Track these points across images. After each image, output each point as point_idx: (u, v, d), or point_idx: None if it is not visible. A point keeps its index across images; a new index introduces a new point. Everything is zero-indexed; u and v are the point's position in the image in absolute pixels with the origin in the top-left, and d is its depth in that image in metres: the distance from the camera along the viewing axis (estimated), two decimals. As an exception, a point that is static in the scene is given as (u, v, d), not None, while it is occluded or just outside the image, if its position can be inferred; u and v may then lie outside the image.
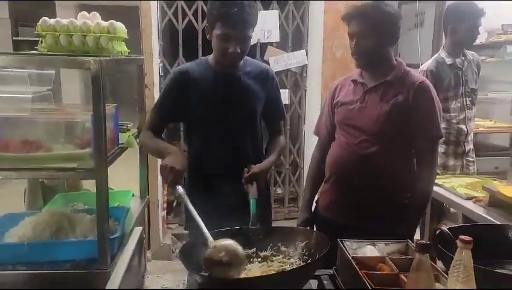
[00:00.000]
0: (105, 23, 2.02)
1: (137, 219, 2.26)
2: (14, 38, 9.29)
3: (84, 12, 2.08)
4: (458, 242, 1.25)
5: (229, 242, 1.50)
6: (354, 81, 2.05)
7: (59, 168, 1.67)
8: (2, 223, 1.86)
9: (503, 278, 1.35)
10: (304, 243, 1.61)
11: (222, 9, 1.78)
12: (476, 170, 3.20)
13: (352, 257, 1.51)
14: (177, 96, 1.97)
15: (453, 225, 2.65)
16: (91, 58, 1.58)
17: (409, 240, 1.63)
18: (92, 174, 1.65)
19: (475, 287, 1.22)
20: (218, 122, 1.98)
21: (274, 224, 3.95)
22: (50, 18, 1.91)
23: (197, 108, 1.97)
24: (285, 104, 3.82)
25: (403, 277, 1.37)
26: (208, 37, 1.91)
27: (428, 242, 1.31)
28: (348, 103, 2.04)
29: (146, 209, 3.44)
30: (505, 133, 4.53)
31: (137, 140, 2.23)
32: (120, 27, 2.08)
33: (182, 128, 2.25)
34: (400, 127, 1.96)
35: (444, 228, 1.49)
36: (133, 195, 2.46)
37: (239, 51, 1.83)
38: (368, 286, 1.32)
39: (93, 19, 2.05)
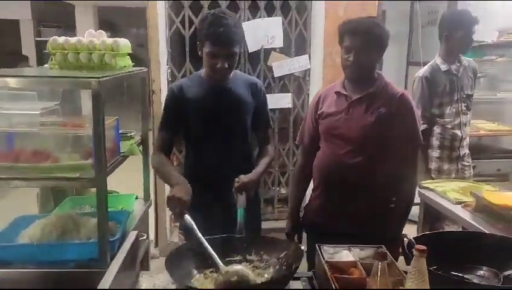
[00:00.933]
0: (109, 41, 2.19)
1: (140, 220, 2.44)
2: (36, 38, 9.62)
3: (91, 31, 2.26)
4: (414, 251, 1.38)
5: (238, 268, 1.62)
6: (337, 93, 2.15)
7: (64, 178, 1.85)
8: (16, 225, 2.06)
9: (453, 282, 1.48)
10: (283, 254, 1.72)
11: (210, 29, 1.94)
12: (472, 174, 3.28)
13: (326, 261, 1.65)
14: (175, 111, 2.13)
15: (451, 228, 2.77)
16: (92, 79, 1.75)
17: (383, 245, 1.75)
18: (93, 183, 1.83)
19: (428, 290, 1.35)
20: (211, 131, 2.13)
21: (277, 223, 4.14)
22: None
23: (191, 119, 2.13)
24: (288, 108, 3.98)
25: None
26: (199, 54, 2.06)
27: (386, 251, 1.45)
28: (332, 114, 2.14)
29: (154, 208, 3.64)
30: (510, 136, 4.57)
31: (140, 147, 2.39)
32: (123, 43, 2.26)
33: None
34: (384, 137, 2.08)
35: (410, 237, 1.61)
36: (137, 197, 2.64)
37: (227, 66, 1.99)
38: (333, 288, 1.46)
39: (99, 37, 2.23)
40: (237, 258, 1.75)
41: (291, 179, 4.20)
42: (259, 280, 1.63)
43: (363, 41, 2.01)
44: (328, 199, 2.20)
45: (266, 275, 1.68)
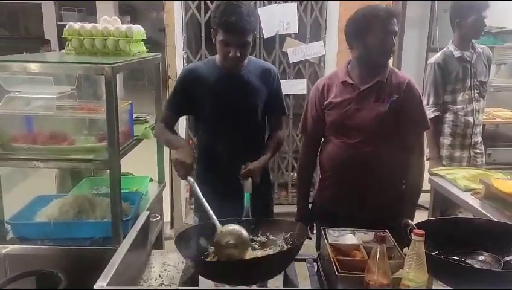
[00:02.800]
0: (123, 27, 2.25)
1: (153, 202, 2.52)
2: (58, 22, 9.79)
3: (106, 17, 2.32)
4: (412, 235, 1.41)
5: (234, 227, 1.68)
6: (344, 82, 2.13)
7: (79, 159, 1.94)
8: (34, 204, 2.17)
9: (452, 266, 1.51)
10: (288, 234, 1.76)
11: (222, 18, 1.95)
12: (484, 162, 3.26)
13: (330, 244, 1.70)
14: (185, 93, 2.16)
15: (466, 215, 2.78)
16: (105, 64, 1.81)
17: (386, 230, 1.79)
18: (106, 164, 1.91)
19: (426, 273, 1.39)
20: (222, 116, 2.16)
21: (291, 207, 4.19)
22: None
23: (203, 103, 2.16)
24: (302, 94, 4.01)
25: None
26: (213, 41, 2.09)
27: (385, 235, 1.49)
28: (340, 104, 2.12)
29: (170, 191, 3.73)
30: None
31: (153, 131, 2.46)
32: (137, 30, 2.31)
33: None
34: (394, 125, 2.09)
35: (411, 222, 1.64)
36: (152, 180, 2.71)
37: (239, 54, 2.00)
38: (335, 269, 1.51)
39: (113, 23, 2.29)
40: None
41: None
42: (255, 244, 1.73)
43: (396, 27, 2.02)
44: (339, 188, 2.20)
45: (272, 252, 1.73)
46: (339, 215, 2.16)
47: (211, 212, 1.72)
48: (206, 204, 1.74)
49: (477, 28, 2.97)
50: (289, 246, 1.74)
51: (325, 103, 2.17)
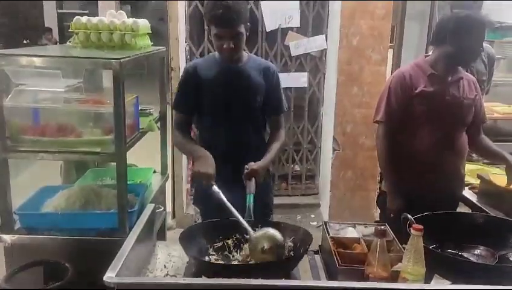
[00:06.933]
0: (129, 21, 2.28)
1: (157, 193, 2.56)
2: (58, 10, 9.77)
3: (112, 11, 2.35)
4: (411, 230, 1.46)
5: (266, 231, 1.70)
6: (432, 75, 2.27)
7: (86, 152, 1.98)
8: (41, 195, 2.20)
9: (449, 259, 1.56)
10: (291, 238, 1.77)
11: (211, 12, 2.01)
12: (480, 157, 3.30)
13: (331, 237, 1.75)
14: (189, 90, 2.19)
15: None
16: (113, 59, 1.84)
17: (386, 224, 1.83)
18: (113, 157, 1.94)
19: (424, 267, 1.44)
20: (221, 110, 2.19)
21: (291, 199, 4.25)
22: None
23: (204, 98, 2.18)
24: (304, 87, 4.04)
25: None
26: (210, 37, 2.13)
27: (385, 229, 1.54)
28: (433, 94, 2.26)
29: (171, 182, 3.77)
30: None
31: (158, 124, 2.50)
32: (143, 24, 2.34)
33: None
34: (471, 115, 2.34)
35: (410, 217, 1.68)
36: (155, 171, 2.75)
37: (232, 46, 2.04)
38: (336, 262, 1.56)
39: (119, 17, 2.32)
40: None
41: (305, 157, 4.29)
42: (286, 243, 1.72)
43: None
44: (428, 172, 2.29)
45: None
46: (424, 200, 2.18)
47: (241, 219, 1.76)
48: (236, 212, 1.78)
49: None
50: (291, 250, 1.74)
51: (416, 92, 2.27)
